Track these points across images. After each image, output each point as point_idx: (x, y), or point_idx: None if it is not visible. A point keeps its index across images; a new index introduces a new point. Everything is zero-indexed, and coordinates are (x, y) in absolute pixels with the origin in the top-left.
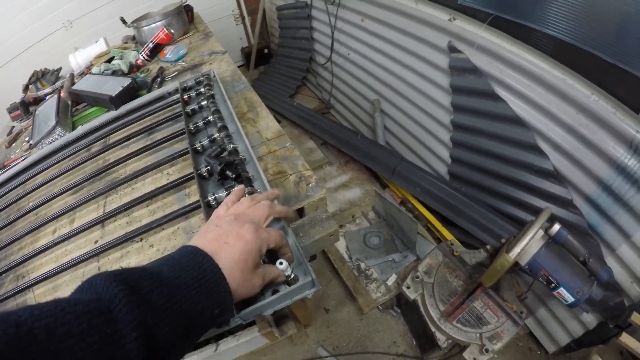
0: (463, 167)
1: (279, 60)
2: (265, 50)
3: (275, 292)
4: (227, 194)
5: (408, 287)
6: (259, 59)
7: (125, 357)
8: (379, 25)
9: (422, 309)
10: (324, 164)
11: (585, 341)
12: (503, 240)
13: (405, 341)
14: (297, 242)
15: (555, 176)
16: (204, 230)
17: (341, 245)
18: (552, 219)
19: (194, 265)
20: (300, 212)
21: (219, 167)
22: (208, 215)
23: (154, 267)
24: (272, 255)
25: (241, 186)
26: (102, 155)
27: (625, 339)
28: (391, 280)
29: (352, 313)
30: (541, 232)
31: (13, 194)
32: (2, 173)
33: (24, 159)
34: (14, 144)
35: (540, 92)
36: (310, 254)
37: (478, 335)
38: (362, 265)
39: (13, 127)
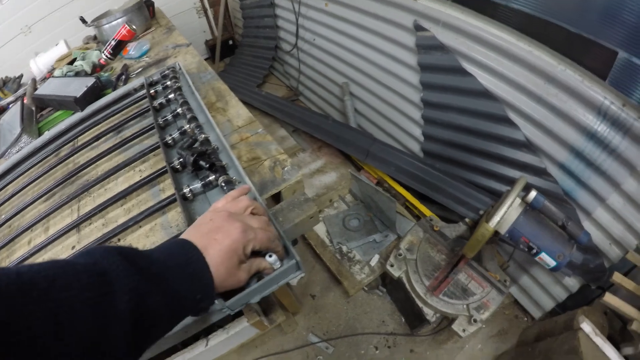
0: (436, 143)
1: (244, 51)
2: (230, 42)
3: (260, 278)
4: (203, 184)
5: (392, 266)
6: (224, 51)
7: (116, 317)
8: (343, 8)
9: (407, 285)
10: (297, 150)
11: (569, 304)
12: (481, 212)
13: (394, 319)
14: (278, 226)
15: (527, 146)
16: (199, 222)
17: (321, 230)
18: (528, 188)
19: (182, 253)
20: (278, 197)
21: (191, 158)
22: (185, 208)
23: (145, 250)
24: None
25: (246, 186)
26: (72, 158)
27: (608, 298)
28: (374, 260)
29: (338, 297)
30: (518, 200)
31: None
32: None
33: None
34: None
35: (507, 65)
36: (291, 238)
37: (465, 306)
38: (344, 249)
39: None
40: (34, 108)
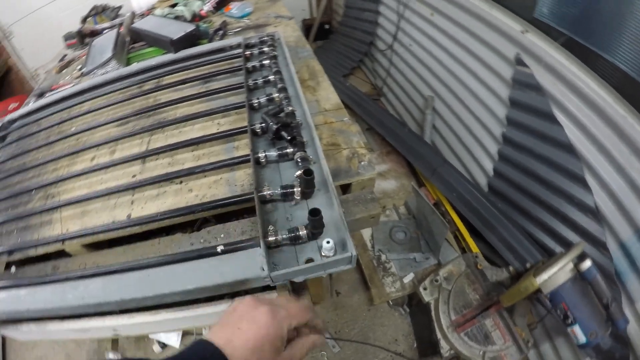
0: (504, 182)
1: (338, 38)
2: (326, 26)
3: (309, 260)
4: (279, 154)
5: (425, 289)
6: (318, 34)
7: None
8: (447, 22)
9: (433, 313)
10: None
11: None
12: (528, 265)
13: (407, 342)
14: (341, 214)
15: (594, 213)
16: (223, 315)
17: (366, 232)
18: (583, 256)
19: (198, 355)
20: (346, 188)
21: (275, 127)
22: (256, 172)
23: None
24: (317, 224)
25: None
26: (154, 94)
27: None
28: (408, 278)
29: (361, 301)
30: (571, 265)
31: (57, 117)
32: (49, 95)
33: (73, 86)
34: (64, 71)
35: (598, 124)
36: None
37: (481, 352)
38: (383, 257)
39: (66, 55)
40: (128, 39)
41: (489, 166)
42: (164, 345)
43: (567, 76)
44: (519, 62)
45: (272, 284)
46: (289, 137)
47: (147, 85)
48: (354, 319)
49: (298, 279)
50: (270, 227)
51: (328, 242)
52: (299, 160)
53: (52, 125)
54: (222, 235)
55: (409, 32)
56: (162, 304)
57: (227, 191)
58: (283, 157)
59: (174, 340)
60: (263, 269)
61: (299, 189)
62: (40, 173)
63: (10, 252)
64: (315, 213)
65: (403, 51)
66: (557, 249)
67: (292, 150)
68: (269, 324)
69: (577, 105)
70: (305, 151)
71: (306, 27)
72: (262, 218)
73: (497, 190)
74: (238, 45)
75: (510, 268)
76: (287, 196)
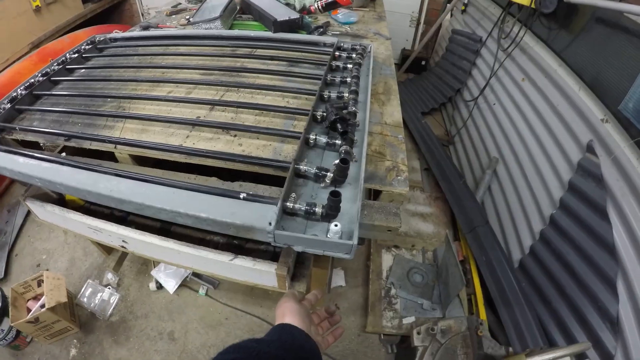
0: (536, 264)
1: (429, 77)
2: (423, 62)
3: (314, 235)
4: (327, 142)
5: (418, 333)
6: (413, 66)
7: None
8: (535, 90)
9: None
10: (417, 187)
11: None
12: (527, 351)
13: None
14: (360, 214)
15: (613, 323)
16: (278, 310)
17: (387, 262)
18: (583, 357)
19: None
20: (377, 196)
21: (333, 117)
22: (301, 149)
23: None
24: (334, 206)
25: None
26: (243, 59)
27: None
28: (408, 320)
29: (355, 325)
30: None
31: (153, 49)
32: (153, 30)
33: (177, 29)
34: (174, 15)
35: None
36: (362, 235)
37: None
38: (392, 291)
39: (180, 3)
40: (238, 7)
41: (527, 243)
42: (160, 286)
43: (632, 176)
44: (590, 149)
45: (273, 242)
46: (341, 130)
47: (240, 51)
48: (341, 338)
49: (297, 248)
50: (293, 195)
51: (336, 226)
52: (342, 152)
53: (147, 55)
54: (250, 192)
55: (497, 90)
56: (172, 231)
57: (271, 156)
58: (330, 146)
59: (171, 285)
60: (270, 224)
61: (332, 174)
62: (121, 87)
63: (68, 138)
64: (335, 194)
65: (485, 108)
66: (563, 344)
67: (340, 142)
68: (300, 308)
69: (634, 209)
70: (351, 148)
71: (404, 57)
72: (289, 184)
73: (527, 269)
74: (331, 45)
75: (510, 349)
76: (319, 177)
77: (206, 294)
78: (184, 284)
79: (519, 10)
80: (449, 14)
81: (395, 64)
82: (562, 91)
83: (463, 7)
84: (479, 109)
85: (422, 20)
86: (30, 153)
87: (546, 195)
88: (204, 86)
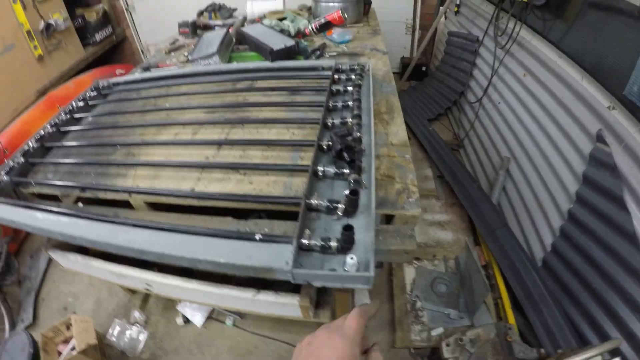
0: (560, 261)
1: (431, 82)
2: (423, 68)
3: (332, 270)
4: (336, 173)
5: (448, 345)
6: (414, 74)
7: None
8: (538, 85)
9: None
10: (432, 196)
11: None
12: (559, 351)
13: None
14: (375, 241)
15: None
16: (299, 348)
17: (409, 275)
18: (617, 353)
19: None
20: (390, 220)
21: (339, 146)
22: (310, 182)
23: None
24: (347, 239)
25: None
26: (245, 93)
27: None
28: (436, 332)
29: (384, 341)
30: (599, 359)
31: (156, 91)
32: (154, 71)
33: (177, 67)
34: (172, 53)
35: None
36: (379, 259)
37: None
38: (418, 304)
39: (177, 39)
40: (234, 39)
41: (548, 241)
42: (187, 321)
43: None
44: (600, 138)
45: (292, 281)
46: (348, 159)
47: (241, 85)
48: None
49: (316, 283)
50: (307, 231)
51: (352, 259)
52: (352, 181)
53: (150, 97)
54: (265, 229)
55: (500, 89)
56: (195, 270)
57: (282, 192)
58: (339, 176)
59: (197, 319)
60: (287, 263)
61: (344, 206)
62: (129, 134)
63: (83, 189)
64: (348, 228)
65: (490, 107)
66: (595, 341)
67: (348, 171)
68: (346, 345)
69: None
70: (360, 175)
71: (404, 65)
72: (302, 221)
73: (551, 267)
74: (329, 68)
75: (542, 350)
76: (331, 210)
77: (234, 324)
78: (210, 316)
79: (512, 5)
80: (443, 17)
81: (395, 73)
82: (565, 82)
83: (456, 9)
84: (485, 109)
85: (417, 27)
86: (49, 208)
87: (562, 190)
88: (210, 125)
